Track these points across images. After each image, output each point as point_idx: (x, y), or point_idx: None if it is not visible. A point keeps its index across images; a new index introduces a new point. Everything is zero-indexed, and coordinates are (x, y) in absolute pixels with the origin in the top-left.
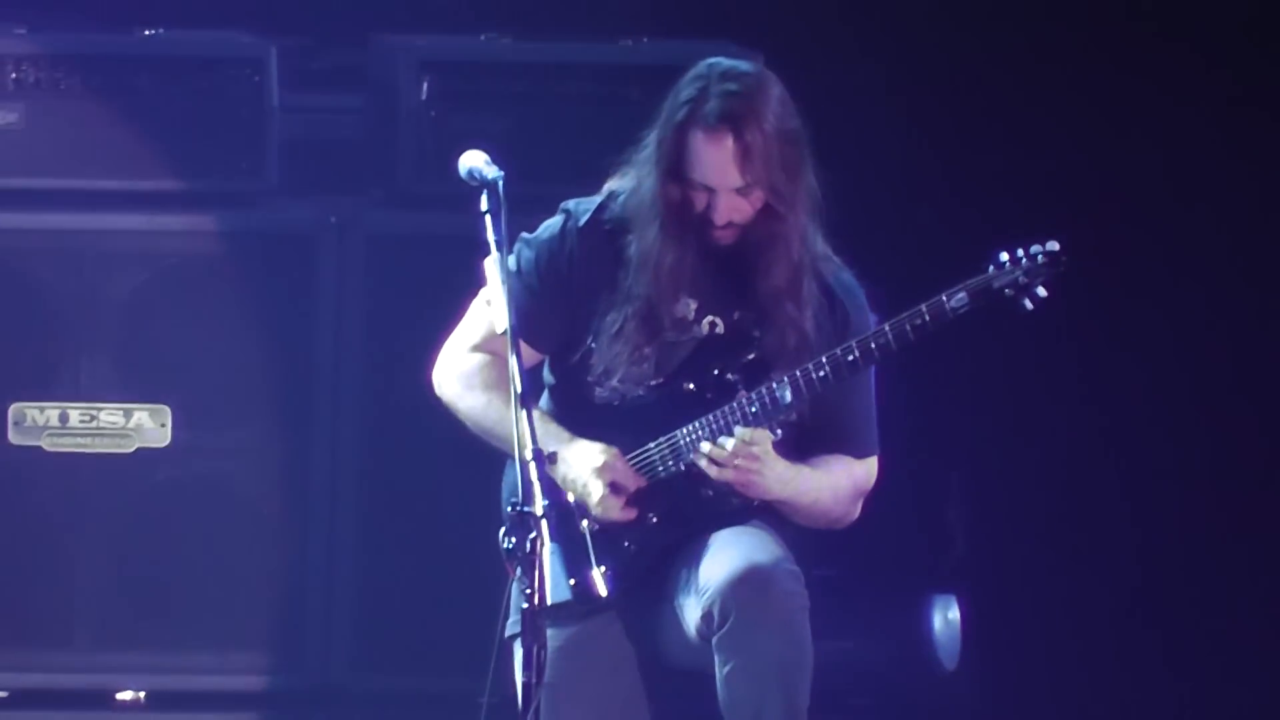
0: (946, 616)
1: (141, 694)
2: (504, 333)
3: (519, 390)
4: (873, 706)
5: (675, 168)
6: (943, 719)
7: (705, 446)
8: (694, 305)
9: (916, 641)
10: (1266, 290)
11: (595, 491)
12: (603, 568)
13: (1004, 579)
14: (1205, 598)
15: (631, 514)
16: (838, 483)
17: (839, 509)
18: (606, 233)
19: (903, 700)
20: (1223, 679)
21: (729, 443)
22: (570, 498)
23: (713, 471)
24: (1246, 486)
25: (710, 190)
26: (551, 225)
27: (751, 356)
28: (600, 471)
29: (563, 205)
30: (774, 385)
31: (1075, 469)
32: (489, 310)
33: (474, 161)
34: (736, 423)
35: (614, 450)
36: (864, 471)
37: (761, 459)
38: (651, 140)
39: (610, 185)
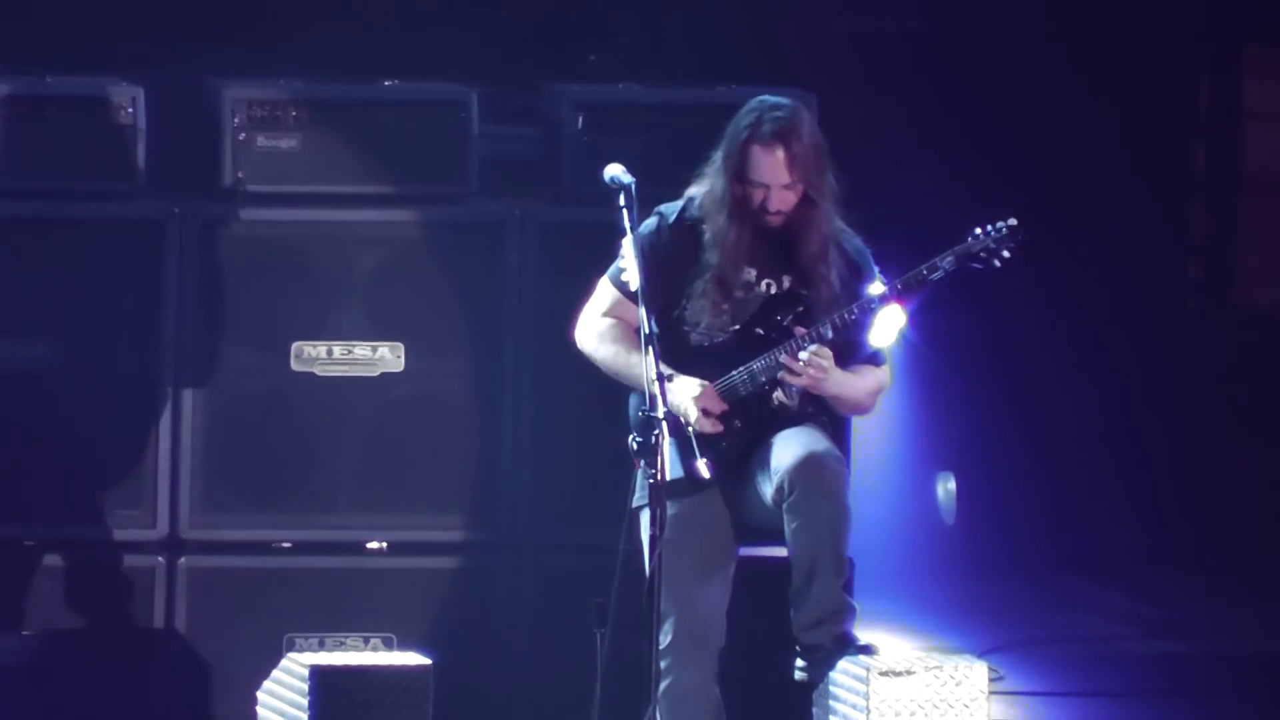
0: (947, 487)
1: (384, 544)
2: (636, 290)
3: (648, 330)
4: (895, 552)
5: (739, 172)
6: (945, 561)
7: (783, 359)
8: (754, 272)
9: (926, 505)
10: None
11: (693, 413)
12: (704, 459)
13: (989, 460)
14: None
15: (720, 428)
16: (869, 384)
17: (869, 401)
18: (688, 226)
19: (916, 546)
20: (1182, 523)
21: (805, 356)
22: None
23: (793, 378)
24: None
25: (766, 187)
26: (650, 224)
27: (800, 309)
28: (696, 399)
29: (656, 209)
30: (820, 326)
31: (1044, 383)
32: (623, 276)
33: (615, 171)
34: (798, 350)
35: (705, 383)
36: (884, 374)
37: (826, 368)
38: (719, 155)
39: (689, 191)
